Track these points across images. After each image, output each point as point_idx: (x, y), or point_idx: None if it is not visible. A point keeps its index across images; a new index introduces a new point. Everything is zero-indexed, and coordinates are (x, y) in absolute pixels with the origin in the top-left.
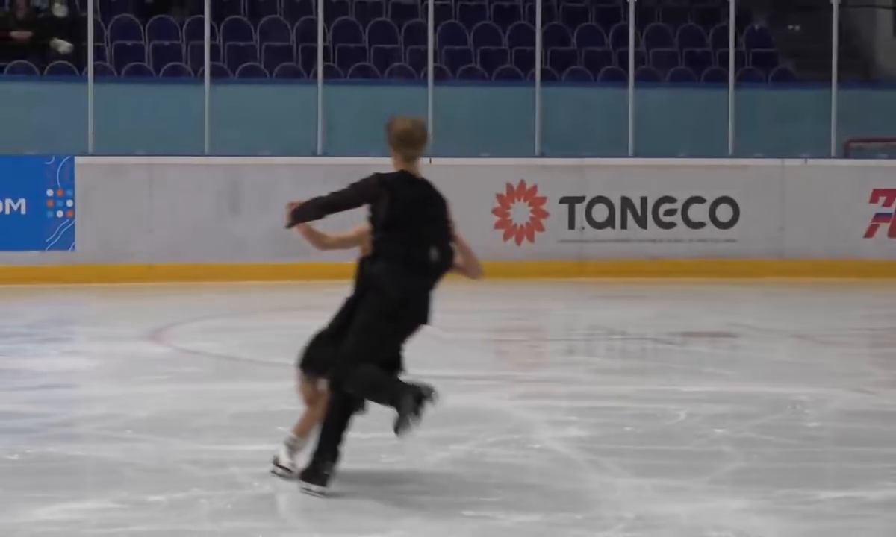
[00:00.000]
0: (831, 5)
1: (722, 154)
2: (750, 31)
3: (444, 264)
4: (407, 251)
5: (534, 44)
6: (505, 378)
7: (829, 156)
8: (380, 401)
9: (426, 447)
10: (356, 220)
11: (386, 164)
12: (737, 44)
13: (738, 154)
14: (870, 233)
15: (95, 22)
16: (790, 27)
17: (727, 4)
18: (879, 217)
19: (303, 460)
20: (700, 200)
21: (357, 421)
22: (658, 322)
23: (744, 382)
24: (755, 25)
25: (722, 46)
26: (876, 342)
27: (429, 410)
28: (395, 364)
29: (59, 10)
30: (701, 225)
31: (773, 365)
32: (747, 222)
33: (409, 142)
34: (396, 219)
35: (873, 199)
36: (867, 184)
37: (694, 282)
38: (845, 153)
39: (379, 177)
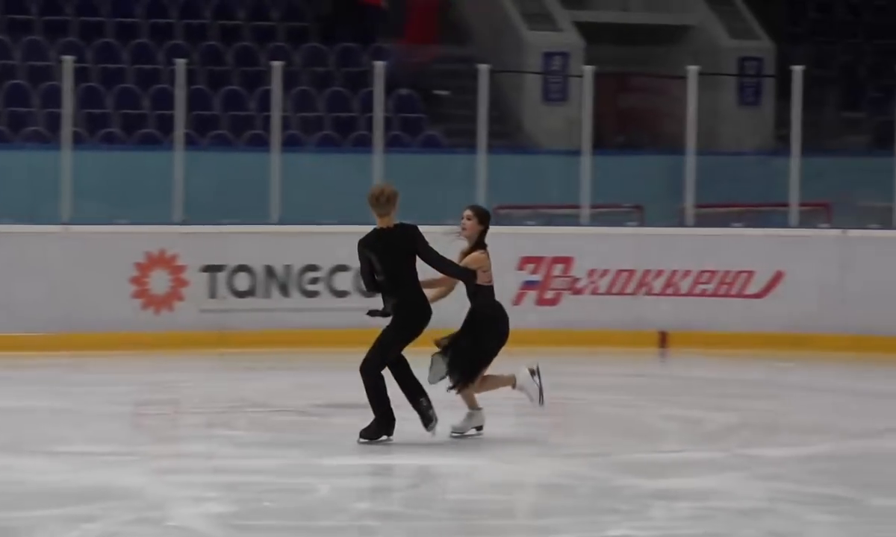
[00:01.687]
0: (478, 71)
1: (368, 221)
2: (398, 96)
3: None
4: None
5: (175, 107)
6: (141, 453)
7: None
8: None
9: (57, 526)
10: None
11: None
12: (385, 109)
13: None
14: (518, 300)
15: None
16: (438, 93)
17: (374, 69)
18: (528, 285)
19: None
20: (345, 268)
21: None
22: (301, 393)
23: (388, 454)
24: (403, 91)
25: (369, 111)
26: (522, 411)
27: None
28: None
29: None
30: (346, 294)
31: (417, 436)
32: None
33: (373, 204)
34: (376, 268)
35: (521, 267)
36: (515, 252)
37: (338, 353)
38: (492, 219)
39: (359, 242)
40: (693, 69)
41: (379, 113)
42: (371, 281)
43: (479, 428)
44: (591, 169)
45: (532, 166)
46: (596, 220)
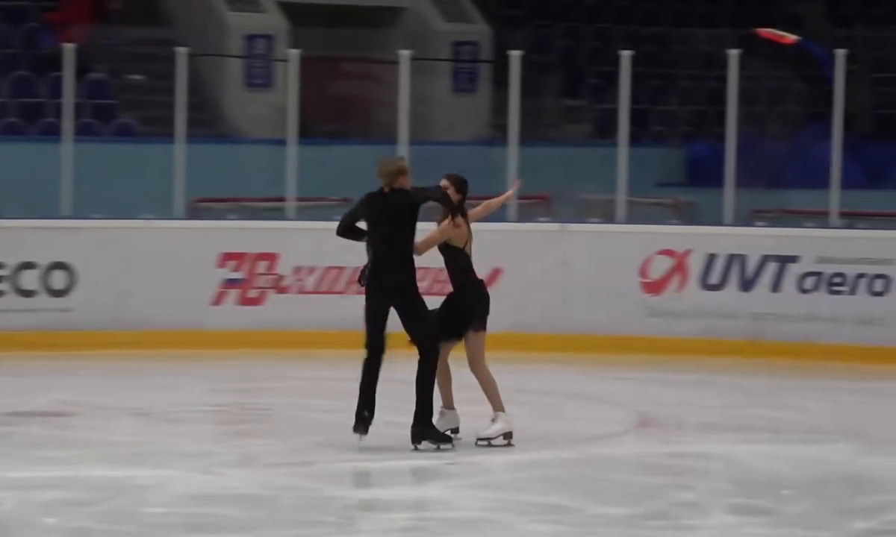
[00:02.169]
0: (176, 54)
1: (57, 214)
2: (89, 81)
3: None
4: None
5: None
6: None
7: (174, 217)
8: None
9: None
10: None
11: None
12: (75, 94)
13: (75, 215)
14: (218, 300)
15: None
16: (133, 77)
17: (61, 53)
18: (229, 283)
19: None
20: (32, 266)
21: None
22: None
23: (79, 465)
24: (95, 75)
25: (58, 97)
26: (221, 419)
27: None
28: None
29: None
30: (33, 293)
31: (110, 446)
32: (85, 289)
33: (377, 174)
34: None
35: (222, 264)
36: (215, 247)
37: (25, 357)
38: (191, 213)
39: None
40: (405, 54)
41: (68, 99)
42: (348, 227)
43: (455, 430)
44: (297, 159)
45: (234, 156)
46: (303, 214)
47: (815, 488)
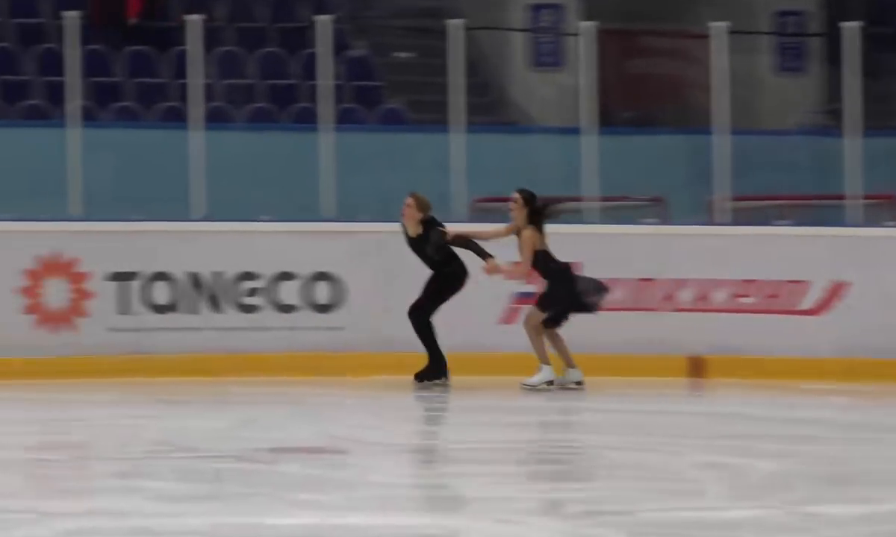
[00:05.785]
0: (448, 28)
1: (318, 217)
2: (348, 59)
3: None
4: None
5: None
6: (41, 511)
7: (452, 220)
8: None
9: None
10: None
11: None
12: (334, 75)
13: (340, 217)
14: (508, 318)
15: None
16: (399, 55)
17: (313, 26)
18: (521, 298)
19: None
20: (291, 276)
21: None
22: (239, 435)
23: (350, 512)
24: (354, 52)
25: (313, 78)
26: (521, 459)
27: None
28: None
29: None
30: (292, 308)
31: (387, 488)
32: (354, 304)
33: None
34: None
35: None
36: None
37: (285, 383)
38: (473, 215)
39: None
40: (719, 26)
41: (326, 80)
42: None
43: (551, 382)
44: (596, 151)
45: (520, 148)
46: (606, 217)
47: None
